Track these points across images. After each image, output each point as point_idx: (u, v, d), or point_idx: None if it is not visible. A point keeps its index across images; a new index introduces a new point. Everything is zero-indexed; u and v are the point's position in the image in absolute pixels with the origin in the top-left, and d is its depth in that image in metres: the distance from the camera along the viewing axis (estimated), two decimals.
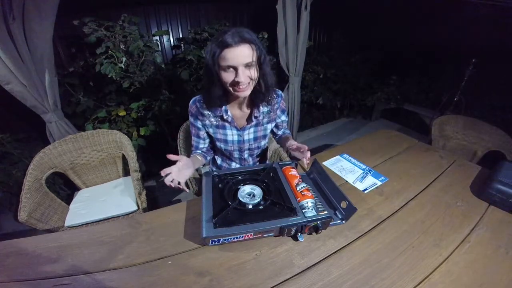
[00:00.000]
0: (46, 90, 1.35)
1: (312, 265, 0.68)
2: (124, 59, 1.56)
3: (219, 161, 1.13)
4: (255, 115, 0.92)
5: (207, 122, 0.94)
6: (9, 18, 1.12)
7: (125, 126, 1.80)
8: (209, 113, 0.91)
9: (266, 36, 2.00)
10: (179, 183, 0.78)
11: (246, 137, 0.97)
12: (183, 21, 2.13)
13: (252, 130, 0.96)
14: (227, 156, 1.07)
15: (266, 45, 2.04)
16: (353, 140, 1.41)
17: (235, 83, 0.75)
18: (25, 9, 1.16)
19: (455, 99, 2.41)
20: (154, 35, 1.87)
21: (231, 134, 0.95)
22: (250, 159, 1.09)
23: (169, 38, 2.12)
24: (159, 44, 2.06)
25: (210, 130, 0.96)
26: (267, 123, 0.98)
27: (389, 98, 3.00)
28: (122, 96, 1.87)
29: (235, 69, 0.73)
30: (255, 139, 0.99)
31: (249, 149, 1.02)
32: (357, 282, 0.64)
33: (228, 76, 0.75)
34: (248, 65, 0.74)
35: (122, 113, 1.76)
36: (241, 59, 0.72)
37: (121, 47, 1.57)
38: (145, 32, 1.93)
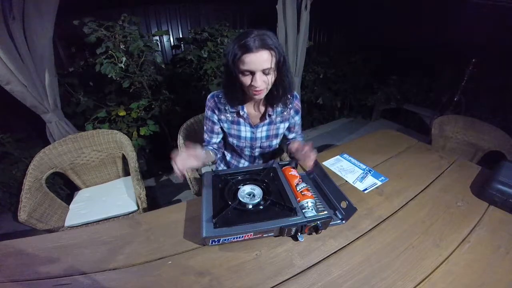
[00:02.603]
0: (46, 90, 1.35)
1: (312, 265, 0.68)
2: (124, 59, 1.56)
3: (228, 157, 1.14)
4: (269, 113, 0.94)
5: (222, 117, 0.96)
6: (9, 18, 1.12)
7: (125, 126, 1.80)
8: (226, 108, 0.94)
9: None
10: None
11: (258, 135, 0.99)
12: (183, 21, 2.13)
13: (265, 128, 0.98)
14: (238, 152, 1.08)
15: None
16: (353, 140, 1.41)
17: (252, 87, 0.78)
18: (25, 9, 1.16)
19: (455, 99, 2.41)
20: (154, 35, 1.87)
21: (245, 131, 0.97)
22: (261, 158, 1.10)
23: (169, 38, 2.12)
24: (159, 44, 2.06)
25: (225, 126, 0.98)
26: (280, 122, 0.99)
27: (389, 98, 3.00)
28: (122, 96, 1.87)
29: (253, 73, 0.75)
30: (267, 137, 1.00)
31: (260, 147, 1.03)
32: (357, 282, 0.64)
33: (245, 80, 0.77)
34: (265, 71, 0.75)
35: (122, 113, 1.76)
36: (259, 65, 0.73)
37: (121, 47, 1.57)
38: (145, 32, 1.93)
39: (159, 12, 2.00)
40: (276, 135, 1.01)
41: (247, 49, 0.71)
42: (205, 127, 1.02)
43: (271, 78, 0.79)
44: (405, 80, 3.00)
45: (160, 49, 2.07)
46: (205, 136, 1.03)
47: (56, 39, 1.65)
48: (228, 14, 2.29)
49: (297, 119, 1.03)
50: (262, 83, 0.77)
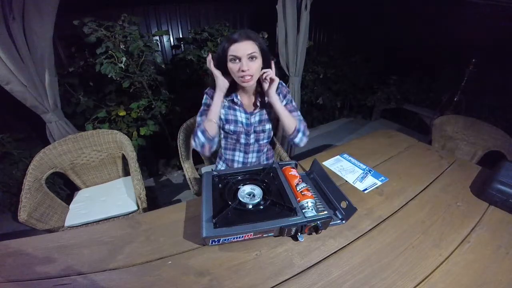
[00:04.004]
0: (46, 90, 1.35)
1: (312, 265, 0.68)
2: (124, 59, 1.56)
3: (222, 151, 1.18)
4: (259, 99, 1.03)
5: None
6: (9, 18, 1.11)
7: (125, 126, 1.80)
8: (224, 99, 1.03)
9: (266, 36, 1.99)
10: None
11: (252, 120, 1.06)
12: (183, 21, 2.13)
13: (258, 113, 1.06)
14: (233, 143, 1.12)
15: (266, 45, 2.04)
16: (353, 140, 1.41)
17: (241, 73, 0.88)
18: (25, 9, 1.16)
19: (455, 99, 2.40)
20: (154, 35, 1.87)
21: (240, 116, 1.05)
22: (256, 145, 1.12)
23: (169, 38, 2.12)
24: (159, 44, 2.06)
25: (222, 112, 1.05)
26: (271, 107, 1.04)
27: (389, 98, 3.00)
28: (122, 96, 1.87)
29: (240, 59, 0.86)
30: (260, 121, 1.07)
31: (254, 131, 1.08)
32: (357, 282, 0.64)
33: (234, 66, 0.88)
34: (251, 57, 0.87)
35: (122, 113, 1.76)
36: (244, 51, 0.86)
37: (121, 47, 1.57)
38: (145, 32, 1.93)
39: (159, 12, 2.00)
40: (268, 120, 1.08)
41: (234, 40, 0.85)
42: (199, 113, 1.04)
43: (256, 65, 0.89)
44: (405, 80, 3.00)
45: (160, 49, 2.06)
46: (199, 119, 1.03)
47: (56, 39, 1.64)
48: (228, 14, 2.30)
49: (285, 102, 1.06)
50: (251, 69, 0.88)
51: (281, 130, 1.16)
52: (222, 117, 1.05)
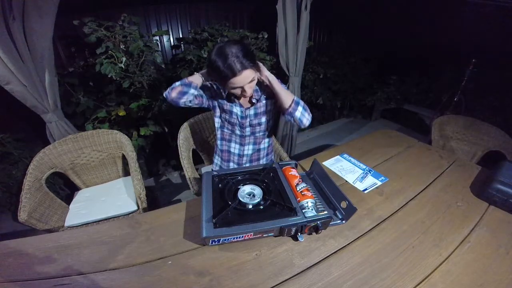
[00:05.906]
0: (46, 90, 1.35)
1: (312, 265, 0.68)
2: (124, 59, 1.56)
3: (218, 143, 1.19)
4: (255, 97, 1.06)
5: (218, 93, 1.07)
6: (9, 18, 1.11)
7: (125, 126, 1.80)
8: (222, 90, 1.07)
9: (266, 36, 1.99)
10: None
11: (247, 113, 1.07)
12: (183, 21, 2.13)
13: (252, 108, 1.06)
14: (228, 134, 1.13)
15: (266, 45, 2.04)
16: (353, 140, 1.41)
17: (242, 94, 0.94)
18: (25, 9, 1.16)
19: (455, 99, 2.40)
20: (154, 35, 1.87)
21: (235, 109, 1.07)
22: (252, 137, 1.12)
23: (169, 38, 2.12)
24: (159, 44, 2.06)
25: (220, 101, 1.08)
26: (266, 99, 1.07)
27: (389, 98, 3.00)
28: (122, 96, 1.87)
29: (242, 87, 0.90)
30: (256, 115, 1.07)
31: (250, 125, 1.09)
32: (357, 282, 0.64)
33: (236, 91, 0.93)
34: (250, 82, 0.91)
35: (122, 113, 1.76)
36: (245, 80, 0.88)
37: (121, 47, 1.57)
38: (145, 32, 1.93)
39: (159, 12, 2.00)
40: (264, 112, 1.08)
41: (233, 73, 0.84)
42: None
43: (255, 82, 0.94)
44: (405, 80, 3.00)
45: (160, 49, 2.06)
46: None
47: (56, 39, 1.64)
48: (228, 14, 2.30)
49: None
50: (251, 90, 0.93)
51: (281, 130, 1.16)
52: (220, 105, 1.08)
